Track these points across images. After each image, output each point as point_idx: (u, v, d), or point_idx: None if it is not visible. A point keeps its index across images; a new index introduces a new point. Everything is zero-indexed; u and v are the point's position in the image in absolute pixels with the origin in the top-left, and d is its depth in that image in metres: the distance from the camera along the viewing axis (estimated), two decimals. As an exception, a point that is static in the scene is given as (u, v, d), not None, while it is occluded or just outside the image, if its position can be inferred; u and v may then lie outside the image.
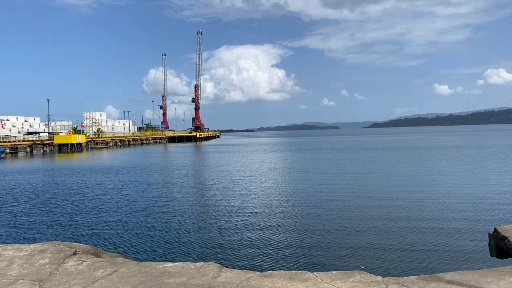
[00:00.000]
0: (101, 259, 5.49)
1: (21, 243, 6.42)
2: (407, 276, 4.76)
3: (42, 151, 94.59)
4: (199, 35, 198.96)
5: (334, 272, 4.97)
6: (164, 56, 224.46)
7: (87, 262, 5.24)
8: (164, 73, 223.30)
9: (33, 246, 5.88)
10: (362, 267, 11.22)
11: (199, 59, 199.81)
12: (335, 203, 22.07)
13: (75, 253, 5.65)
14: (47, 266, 5.07)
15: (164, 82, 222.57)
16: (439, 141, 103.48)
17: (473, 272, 4.77)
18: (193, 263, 5.23)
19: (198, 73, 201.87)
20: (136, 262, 5.49)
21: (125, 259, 5.66)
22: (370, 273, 4.96)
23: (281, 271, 5.03)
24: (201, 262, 5.23)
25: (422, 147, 79.98)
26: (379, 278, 4.74)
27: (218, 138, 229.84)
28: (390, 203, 21.81)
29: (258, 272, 4.95)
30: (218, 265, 5.15)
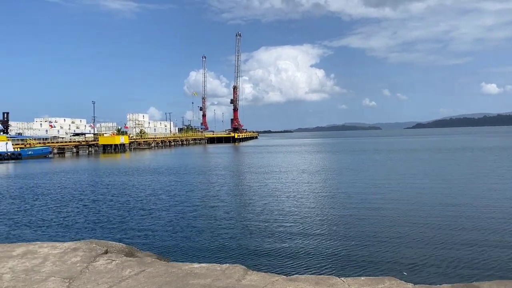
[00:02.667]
0: (130, 258, 5.58)
1: (59, 241, 6.65)
2: (440, 284, 4.54)
3: (87, 151, 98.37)
4: (238, 37, 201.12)
5: (362, 278, 4.82)
6: (204, 59, 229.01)
7: (117, 261, 5.34)
8: (204, 75, 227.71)
9: (67, 244, 6.08)
10: (405, 273, 10.86)
11: (238, 61, 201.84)
12: (375, 206, 21.51)
13: (106, 252, 5.78)
14: (78, 264, 5.21)
15: (204, 84, 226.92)
16: (492, 143, 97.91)
17: (513, 282, 4.50)
18: (219, 264, 5.22)
19: (237, 74, 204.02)
20: (163, 262, 5.55)
21: (154, 259, 5.74)
22: (400, 279, 4.78)
23: (307, 275, 4.94)
24: (227, 264, 5.21)
25: (474, 148, 76.00)
26: (410, 285, 4.55)
27: (256, 139, 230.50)
28: (433, 206, 21.01)
29: (284, 276, 4.87)
30: (244, 267, 5.11)
